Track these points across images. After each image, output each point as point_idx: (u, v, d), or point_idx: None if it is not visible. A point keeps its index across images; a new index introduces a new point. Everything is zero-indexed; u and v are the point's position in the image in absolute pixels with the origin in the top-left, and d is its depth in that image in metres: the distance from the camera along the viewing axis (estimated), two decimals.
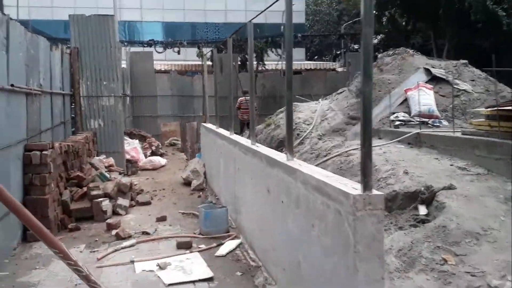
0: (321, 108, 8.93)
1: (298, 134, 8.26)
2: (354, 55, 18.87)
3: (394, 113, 7.94)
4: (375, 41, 37.89)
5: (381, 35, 34.02)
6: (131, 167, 10.03)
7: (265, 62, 23.51)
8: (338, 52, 37.76)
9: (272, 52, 27.33)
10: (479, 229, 3.83)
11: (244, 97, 13.92)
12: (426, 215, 4.39)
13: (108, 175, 7.26)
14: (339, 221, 2.45)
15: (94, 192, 6.55)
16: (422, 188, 4.62)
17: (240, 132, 14.29)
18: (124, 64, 15.29)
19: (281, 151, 8.97)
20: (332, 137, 7.95)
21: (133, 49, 20.40)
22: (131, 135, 12.66)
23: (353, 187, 2.45)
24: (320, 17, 36.26)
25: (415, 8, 17.82)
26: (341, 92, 9.76)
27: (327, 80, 18.23)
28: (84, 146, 7.71)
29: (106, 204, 6.48)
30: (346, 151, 6.64)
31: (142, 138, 12.96)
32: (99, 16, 9.44)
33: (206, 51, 25.26)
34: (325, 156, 6.99)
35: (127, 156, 10.52)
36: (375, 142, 7.25)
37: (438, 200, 4.42)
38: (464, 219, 3.97)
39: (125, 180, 7.34)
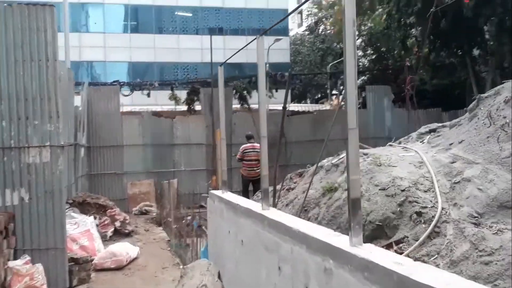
0: (437, 159, 5.02)
1: (417, 213, 4.27)
2: (374, 89, 15.65)
3: None
4: (359, 81, 35.43)
5: (366, 74, 30.38)
6: (78, 270, 5.63)
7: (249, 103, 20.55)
8: (321, 95, 35.06)
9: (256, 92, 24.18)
10: None
11: (250, 144, 9.91)
12: None
13: None
14: None
15: None
16: None
17: (243, 194, 10.12)
18: (77, 102, 11.06)
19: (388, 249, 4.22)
20: (502, 218, 4.02)
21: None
22: (84, 206, 8.26)
23: None
24: (302, 57, 33.72)
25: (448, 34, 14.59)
26: (446, 127, 5.89)
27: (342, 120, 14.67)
28: None
29: None
30: None
31: (100, 209, 8.57)
32: (28, 6, 5.36)
33: (181, 93, 21.71)
34: None
35: (74, 249, 6.15)
36: None
37: None
38: None
39: None
